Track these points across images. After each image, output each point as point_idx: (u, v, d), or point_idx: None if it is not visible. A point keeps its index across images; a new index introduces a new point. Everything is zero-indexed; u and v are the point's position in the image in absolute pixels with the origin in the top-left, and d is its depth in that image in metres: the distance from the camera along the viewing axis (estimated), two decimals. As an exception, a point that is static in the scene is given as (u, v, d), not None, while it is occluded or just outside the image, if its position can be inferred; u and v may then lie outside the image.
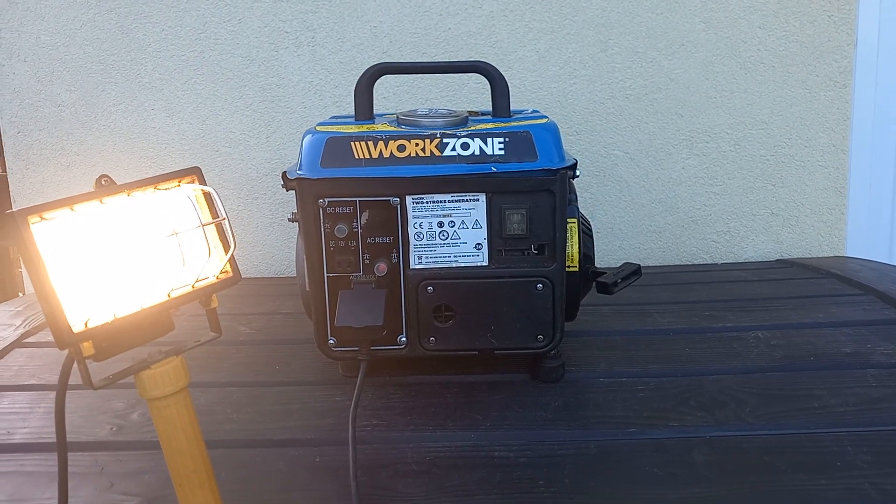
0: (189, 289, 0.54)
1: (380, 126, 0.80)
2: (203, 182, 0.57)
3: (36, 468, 0.71)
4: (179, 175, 0.56)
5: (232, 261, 0.57)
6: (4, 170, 1.54)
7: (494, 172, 0.76)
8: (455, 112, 0.83)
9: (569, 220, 0.81)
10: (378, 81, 0.85)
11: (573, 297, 0.84)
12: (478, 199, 0.77)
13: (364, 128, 0.79)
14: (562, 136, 0.80)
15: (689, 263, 1.46)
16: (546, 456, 0.70)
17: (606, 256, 1.46)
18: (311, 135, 0.78)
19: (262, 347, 0.97)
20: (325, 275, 0.78)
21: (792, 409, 0.77)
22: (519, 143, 0.76)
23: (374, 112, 0.87)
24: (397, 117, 0.83)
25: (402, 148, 0.76)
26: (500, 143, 0.76)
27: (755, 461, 0.68)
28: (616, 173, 1.44)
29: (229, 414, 0.79)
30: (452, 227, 0.77)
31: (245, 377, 0.88)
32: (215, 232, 0.57)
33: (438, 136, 0.76)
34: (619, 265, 0.88)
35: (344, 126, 0.81)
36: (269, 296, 1.23)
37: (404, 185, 0.76)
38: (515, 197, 0.77)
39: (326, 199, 0.76)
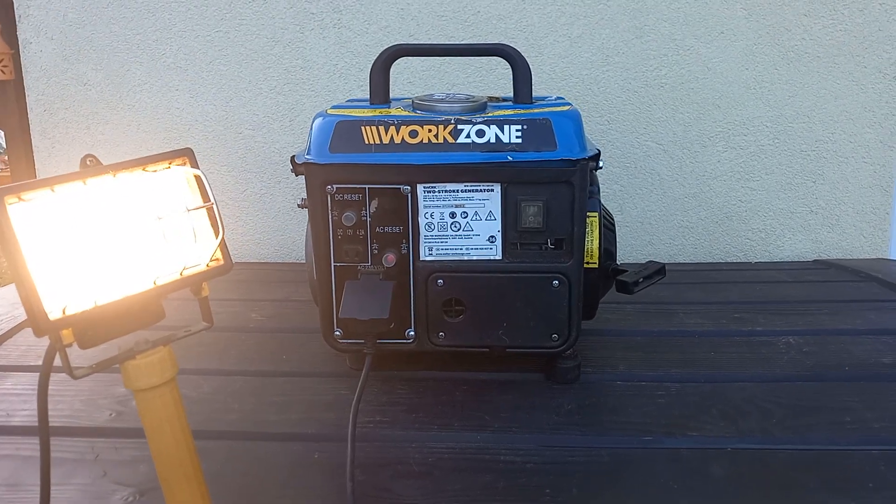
0: (177, 276, 0.52)
1: (393, 110, 0.77)
2: (195, 164, 0.54)
3: (33, 453, 0.69)
4: (170, 156, 0.53)
5: (223, 248, 0.54)
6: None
7: (510, 162, 0.72)
8: (473, 97, 0.80)
9: (589, 213, 0.77)
10: (404, 65, 0.82)
11: (592, 296, 0.80)
12: (492, 190, 0.73)
13: (377, 112, 0.76)
14: (587, 125, 0.76)
15: (721, 261, 1.40)
16: (554, 462, 0.66)
17: (636, 252, 1.41)
18: (320, 118, 0.75)
19: (271, 336, 0.95)
20: (333, 264, 0.75)
21: (822, 422, 0.72)
22: (538, 131, 0.72)
23: (397, 96, 0.84)
24: (412, 102, 0.79)
25: (414, 134, 0.73)
26: (517, 130, 0.72)
27: (780, 477, 0.63)
28: (648, 165, 1.39)
29: (230, 404, 0.77)
30: (465, 218, 0.74)
31: (250, 366, 0.86)
32: (206, 218, 0.54)
33: (453, 122, 0.73)
34: (645, 262, 0.83)
35: (356, 109, 0.77)
36: (285, 282, 1.21)
37: (415, 173, 0.73)
38: (532, 188, 0.73)
39: (335, 186, 0.73)
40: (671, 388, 0.78)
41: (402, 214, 0.74)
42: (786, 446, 0.68)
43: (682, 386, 0.79)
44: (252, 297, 1.11)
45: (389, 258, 0.74)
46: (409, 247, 0.75)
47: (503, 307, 0.75)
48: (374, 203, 0.74)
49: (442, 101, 0.77)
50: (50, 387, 0.80)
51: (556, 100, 0.86)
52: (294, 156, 0.76)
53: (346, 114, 0.75)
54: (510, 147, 0.72)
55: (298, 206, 0.80)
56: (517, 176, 0.72)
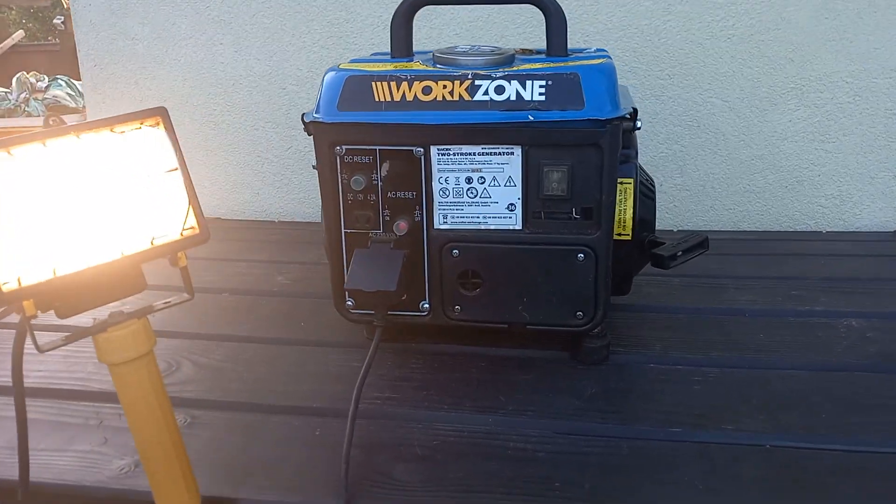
0: (147, 246, 0.48)
1: (411, 65, 0.71)
2: (169, 125, 0.50)
3: (39, 415, 0.69)
4: (142, 116, 0.49)
5: (197, 216, 0.50)
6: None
7: (532, 122, 0.65)
8: (500, 49, 0.73)
9: (623, 180, 0.70)
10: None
11: (624, 270, 0.73)
12: (512, 153, 0.67)
13: (392, 66, 0.70)
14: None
15: (790, 230, 1.29)
16: (568, 453, 0.61)
17: (696, 217, 1.32)
18: (332, 73, 0.70)
19: (293, 301, 0.92)
20: (343, 230, 0.71)
21: (875, 421, 0.64)
22: (563, 87, 0.65)
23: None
24: (433, 55, 0.73)
25: (427, 90, 0.67)
26: (540, 86, 0.65)
27: (817, 482, 0.56)
28: (712, 124, 1.28)
29: (240, 373, 0.75)
30: (482, 183, 0.68)
31: (266, 332, 0.83)
32: (182, 183, 0.50)
33: (470, 77, 0.66)
34: (686, 232, 0.75)
35: (371, 64, 0.72)
36: (320, 243, 1.18)
37: (429, 134, 0.67)
38: (556, 151, 0.66)
39: (344, 147, 0.69)
40: (709, 375, 0.71)
41: (415, 179, 0.69)
42: (830, 446, 0.60)
43: (722, 372, 0.72)
44: (283, 258, 1.09)
45: (401, 226, 0.69)
46: (422, 214, 0.69)
47: (523, 281, 0.69)
48: (386, 166, 0.69)
49: (464, 53, 0.71)
50: (68, 348, 0.80)
51: (595, 52, 0.78)
52: (304, 114, 0.71)
53: (357, 68, 0.69)
54: (532, 105, 0.65)
55: (313, 167, 0.75)
56: (540, 138, 0.66)
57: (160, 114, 0.50)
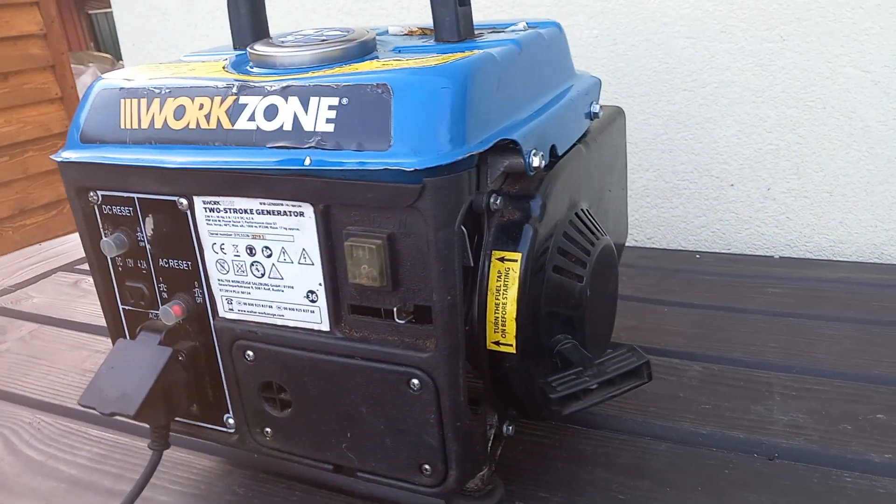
0: None
1: (188, 68, 0.48)
2: None
3: None
4: None
5: None
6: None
7: (311, 168, 0.39)
8: (350, 34, 0.46)
9: (504, 254, 0.42)
10: None
11: (517, 394, 0.45)
12: (301, 214, 0.41)
13: (170, 71, 0.47)
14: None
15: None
16: None
17: (818, 236, 0.95)
18: (96, 84, 0.48)
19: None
20: (120, 307, 0.50)
21: None
22: (363, 110, 0.38)
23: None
24: (247, 51, 0.49)
25: (179, 112, 0.43)
26: (330, 108, 0.39)
27: None
28: (846, 105, 0.89)
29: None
30: (269, 257, 0.43)
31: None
32: None
33: (234, 91, 0.42)
34: (619, 347, 0.44)
35: (162, 67, 0.49)
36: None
37: (185, 180, 0.43)
38: (364, 215, 0.40)
39: (99, 193, 0.47)
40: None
41: (186, 243, 0.46)
42: None
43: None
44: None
45: (174, 310, 0.47)
46: (204, 294, 0.46)
47: (343, 409, 0.44)
48: (149, 222, 0.46)
49: (285, 46, 0.46)
50: None
51: (523, 31, 0.49)
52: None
53: (125, 77, 0.47)
54: (315, 140, 0.39)
55: None
56: (336, 193, 0.40)
57: None
